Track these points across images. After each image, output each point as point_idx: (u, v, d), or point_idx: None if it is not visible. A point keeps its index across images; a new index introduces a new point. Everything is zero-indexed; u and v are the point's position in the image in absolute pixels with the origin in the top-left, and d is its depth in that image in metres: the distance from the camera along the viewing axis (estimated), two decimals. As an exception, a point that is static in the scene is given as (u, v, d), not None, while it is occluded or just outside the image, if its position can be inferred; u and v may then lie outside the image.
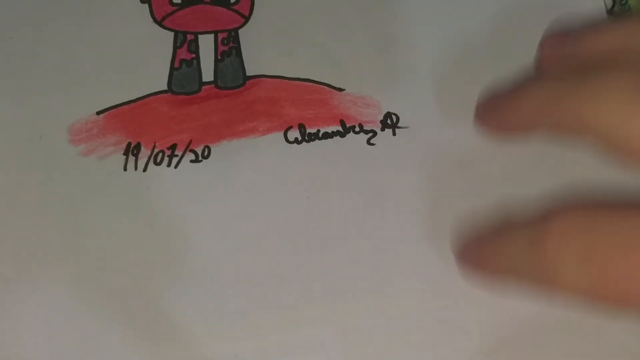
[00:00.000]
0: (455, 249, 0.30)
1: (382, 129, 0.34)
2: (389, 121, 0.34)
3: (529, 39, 0.33)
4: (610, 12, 0.35)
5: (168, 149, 0.33)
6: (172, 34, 0.35)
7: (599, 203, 0.25)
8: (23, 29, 0.35)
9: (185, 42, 0.35)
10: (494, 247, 0.27)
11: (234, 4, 0.36)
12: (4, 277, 0.31)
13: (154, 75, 0.34)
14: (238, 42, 0.35)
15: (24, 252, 0.32)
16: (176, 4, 0.36)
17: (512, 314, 0.31)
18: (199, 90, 0.34)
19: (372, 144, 0.33)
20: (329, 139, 0.33)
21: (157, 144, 0.33)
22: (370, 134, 0.34)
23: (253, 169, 0.33)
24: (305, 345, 0.31)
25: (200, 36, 0.35)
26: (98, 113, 0.34)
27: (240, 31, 0.35)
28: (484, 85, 0.34)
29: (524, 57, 0.33)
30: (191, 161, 0.33)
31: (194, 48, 0.35)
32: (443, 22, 0.35)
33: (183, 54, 0.35)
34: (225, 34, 0.35)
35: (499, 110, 0.30)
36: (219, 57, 0.35)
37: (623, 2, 0.36)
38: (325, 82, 0.34)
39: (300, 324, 0.31)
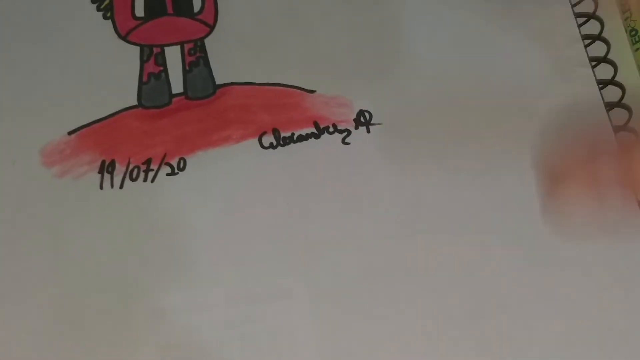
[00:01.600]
0: None
1: (356, 127, 0.34)
2: (362, 119, 0.34)
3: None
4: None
5: (143, 163, 0.33)
6: (137, 48, 0.35)
7: None
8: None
9: (151, 55, 0.35)
10: None
11: (198, 13, 0.36)
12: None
13: (123, 91, 0.34)
14: (205, 52, 0.35)
15: (4, 279, 0.31)
16: (139, 18, 0.35)
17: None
18: (170, 102, 0.34)
19: (347, 143, 0.33)
20: (304, 142, 0.33)
21: (131, 160, 0.33)
22: (345, 133, 0.34)
23: (230, 177, 0.33)
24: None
25: (166, 48, 0.35)
26: (69, 133, 0.33)
27: (206, 40, 0.35)
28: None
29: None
30: (167, 174, 0.33)
31: (161, 61, 0.35)
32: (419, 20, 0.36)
33: (150, 67, 0.35)
34: (191, 45, 0.35)
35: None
36: (187, 68, 0.35)
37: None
38: (296, 85, 0.34)
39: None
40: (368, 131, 0.34)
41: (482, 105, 0.34)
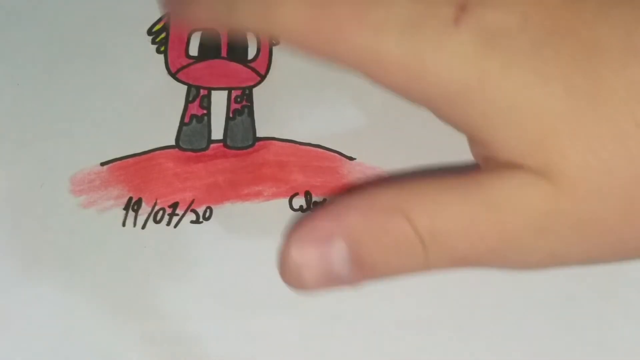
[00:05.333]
0: None
1: (390, 204, 0.32)
2: (397, 196, 0.32)
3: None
4: None
5: (169, 207, 0.32)
6: (184, 87, 0.34)
7: None
8: (31, 72, 0.34)
9: (197, 96, 0.34)
10: None
11: (251, 60, 0.35)
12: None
13: (163, 129, 0.34)
14: (251, 101, 0.34)
15: (16, 301, 0.31)
16: (192, 57, 0.35)
17: None
18: (207, 148, 0.34)
19: (379, 219, 0.32)
20: (335, 210, 0.32)
21: (158, 201, 0.32)
22: (378, 208, 0.32)
23: (254, 234, 0.32)
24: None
25: (213, 92, 0.34)
26: (102, 164, 0.33)
27: (254, 90, 0.34)
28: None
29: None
30: (191, 222, 0.32)
31: (206, 104, 0.34)
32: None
33: (194, 109, 0.34)
34: (239, 92, 0.34)
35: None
36: (231, 115, 0.34)
37: None
38: (337, 149, 0.33)
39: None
40: (402, 209, 0.32)
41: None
